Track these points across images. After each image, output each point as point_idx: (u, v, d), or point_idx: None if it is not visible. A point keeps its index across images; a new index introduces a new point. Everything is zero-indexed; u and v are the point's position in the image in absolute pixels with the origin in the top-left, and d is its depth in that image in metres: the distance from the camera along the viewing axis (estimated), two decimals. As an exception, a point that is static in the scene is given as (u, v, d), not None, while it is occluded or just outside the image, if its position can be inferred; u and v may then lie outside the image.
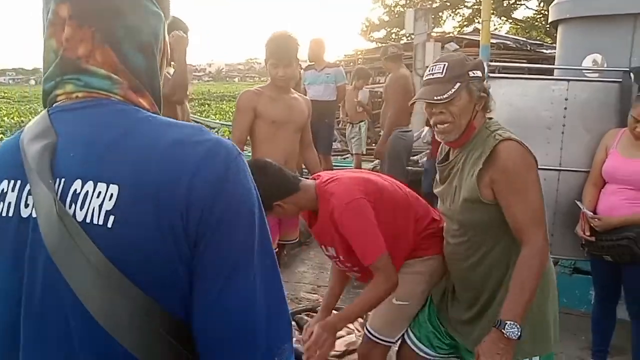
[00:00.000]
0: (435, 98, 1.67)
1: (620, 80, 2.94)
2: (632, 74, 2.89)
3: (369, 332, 2.18)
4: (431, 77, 1.73)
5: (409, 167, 6.56)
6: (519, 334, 1.58)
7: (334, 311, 2.36)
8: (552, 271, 1.82)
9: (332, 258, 2.20)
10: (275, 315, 0.67)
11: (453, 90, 1.66)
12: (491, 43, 9.31)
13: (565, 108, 2.99)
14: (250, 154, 3.19)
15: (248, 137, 3.02)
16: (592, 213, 2.75)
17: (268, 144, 2.95)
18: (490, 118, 1.82)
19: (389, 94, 4.76)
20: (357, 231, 1.91)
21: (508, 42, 12.05)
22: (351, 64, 12.12)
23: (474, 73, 1.69)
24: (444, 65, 1.70)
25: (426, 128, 5.24)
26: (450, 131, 1.74)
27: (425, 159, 5.71)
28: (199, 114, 20.34)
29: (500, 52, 10.69)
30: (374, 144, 10.68)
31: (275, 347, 0.67)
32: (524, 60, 10.22)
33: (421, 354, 2.06)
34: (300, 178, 2.10)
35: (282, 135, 2.95)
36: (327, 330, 1.95)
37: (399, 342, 2.20)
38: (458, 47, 10.42)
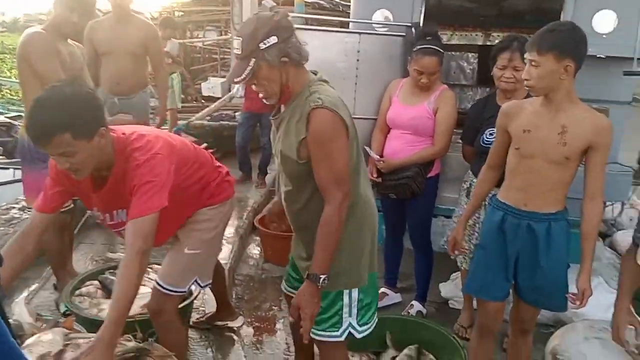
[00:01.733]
0: (235, 80, 1.80)
1: (404, 34, 3.23)
2: (413, 29, 3.19)
3: (159, 285, 2.19)
4: (235, 52, 1.80)
5: (225, 122, 6.55)
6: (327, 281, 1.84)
7: None
8: (366, 213, 1.98)
9: (113, 227, 2.10)
10: None
11: (249, 68, 1.75)
12: (306, 2, 9.60)
13: (358, 60, 3.21)
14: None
15: None
16: (378, 157, 3.03)
17: None
18: (316, 73, 1.93)
19: (151, 54, 4.02)
20: (149, 182, 1.84)
21: (322, 3, 12.46)
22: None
23: (266, 43, 1.74)
24: (240, 41, 1.76)
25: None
26: (268, 97, 1.87)
27: (239, 113, 5.73)
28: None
29: (315, 12, 11.02)
30: (191, 99, 10.44)
31: None
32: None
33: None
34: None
35: None
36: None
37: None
38: (275, 4, 10.48)
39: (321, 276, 1.82)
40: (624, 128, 3.09)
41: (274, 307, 3.37)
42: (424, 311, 3.28)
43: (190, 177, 2.16)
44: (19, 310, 2.27)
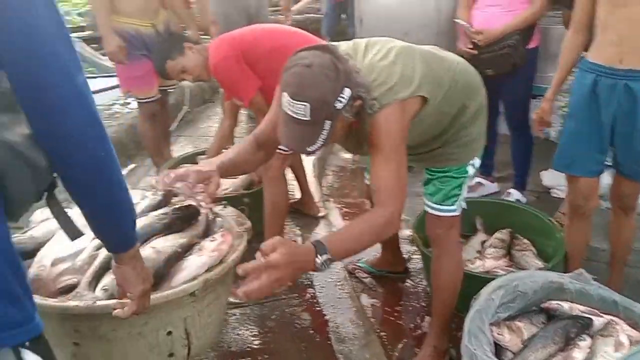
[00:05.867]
0: (307, 150, 1.42)
1: None
2: None
3: None
4: (294, 116, 1.37)
5: (311, 15, 6.38)
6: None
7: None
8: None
9: None
10: None
11: (325, 132, 1.38)
12: None
13: None
14: None
15: None
16: (472, 29, 2.75)
17: None
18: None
19: None
20: (229, 82, 2.56)
21: None
22: None
23: (341, 100, 1.36)
24: (306, 107, 1.34)
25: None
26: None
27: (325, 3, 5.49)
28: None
29: None
30: None
31: None
32: None
33: None
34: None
35: None
36: None
37: None
38: None
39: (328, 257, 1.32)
40: None
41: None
42: (523, 200, 3.07)
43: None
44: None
